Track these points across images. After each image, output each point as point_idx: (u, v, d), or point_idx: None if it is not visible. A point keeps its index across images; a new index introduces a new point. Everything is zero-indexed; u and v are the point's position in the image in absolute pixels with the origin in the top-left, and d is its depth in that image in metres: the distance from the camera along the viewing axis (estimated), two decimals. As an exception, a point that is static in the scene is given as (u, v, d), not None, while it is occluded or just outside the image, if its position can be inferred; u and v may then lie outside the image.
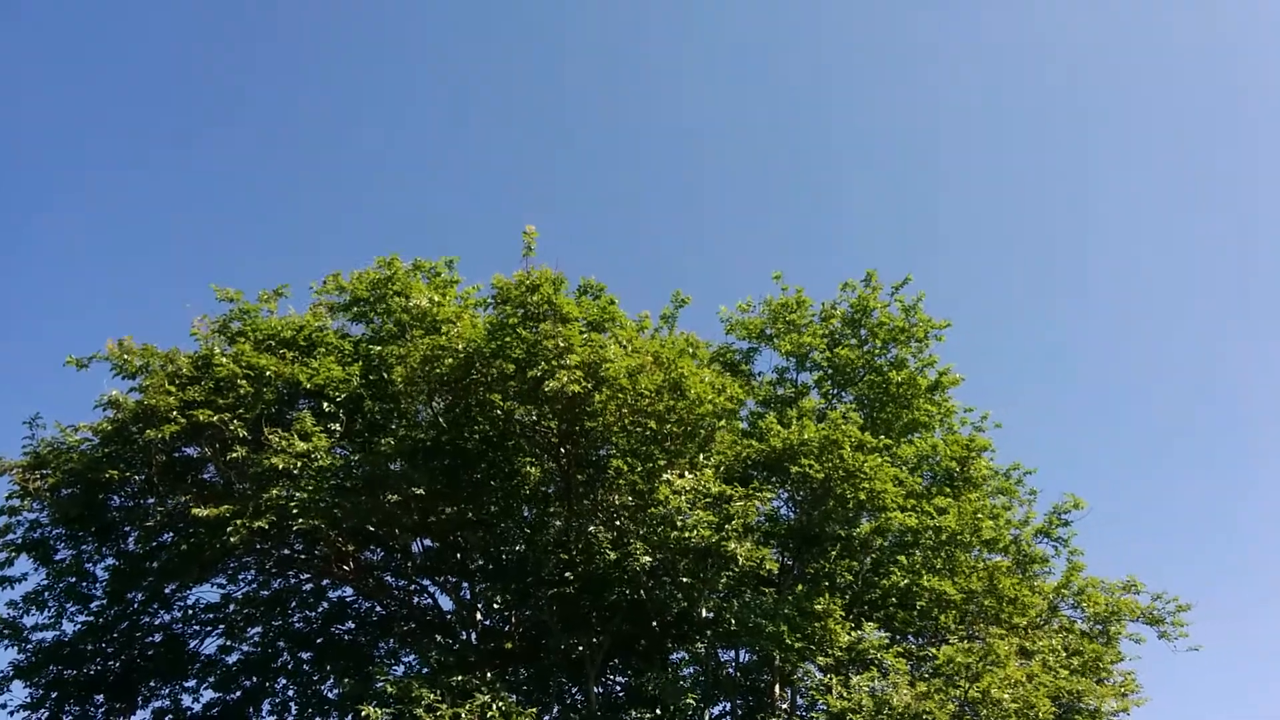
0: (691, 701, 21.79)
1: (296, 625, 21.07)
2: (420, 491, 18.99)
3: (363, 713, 16.49)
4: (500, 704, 17.15)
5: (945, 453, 20.90)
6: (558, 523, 20.00)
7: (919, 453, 20.65)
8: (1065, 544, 21.53)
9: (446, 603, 21.16)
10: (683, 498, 18.31)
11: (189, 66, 60.63)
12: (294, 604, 20.90)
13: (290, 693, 20.62)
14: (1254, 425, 57.81)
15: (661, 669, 21.07)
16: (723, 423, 19.45)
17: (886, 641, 20.15)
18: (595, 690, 20.65)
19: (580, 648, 20.04)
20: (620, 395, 17.86)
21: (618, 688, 22.16)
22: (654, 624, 20.73)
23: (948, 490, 20.77)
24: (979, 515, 20.15)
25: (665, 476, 18.64)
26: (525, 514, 20.55)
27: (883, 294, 21.73)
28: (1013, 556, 21.16)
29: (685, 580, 19.48)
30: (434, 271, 19.74)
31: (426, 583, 21.43)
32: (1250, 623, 49.20)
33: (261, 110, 63.06)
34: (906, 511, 19.41)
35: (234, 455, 17.70)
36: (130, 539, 19.27)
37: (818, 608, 18.73)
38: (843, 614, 19.13)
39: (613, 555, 19.14)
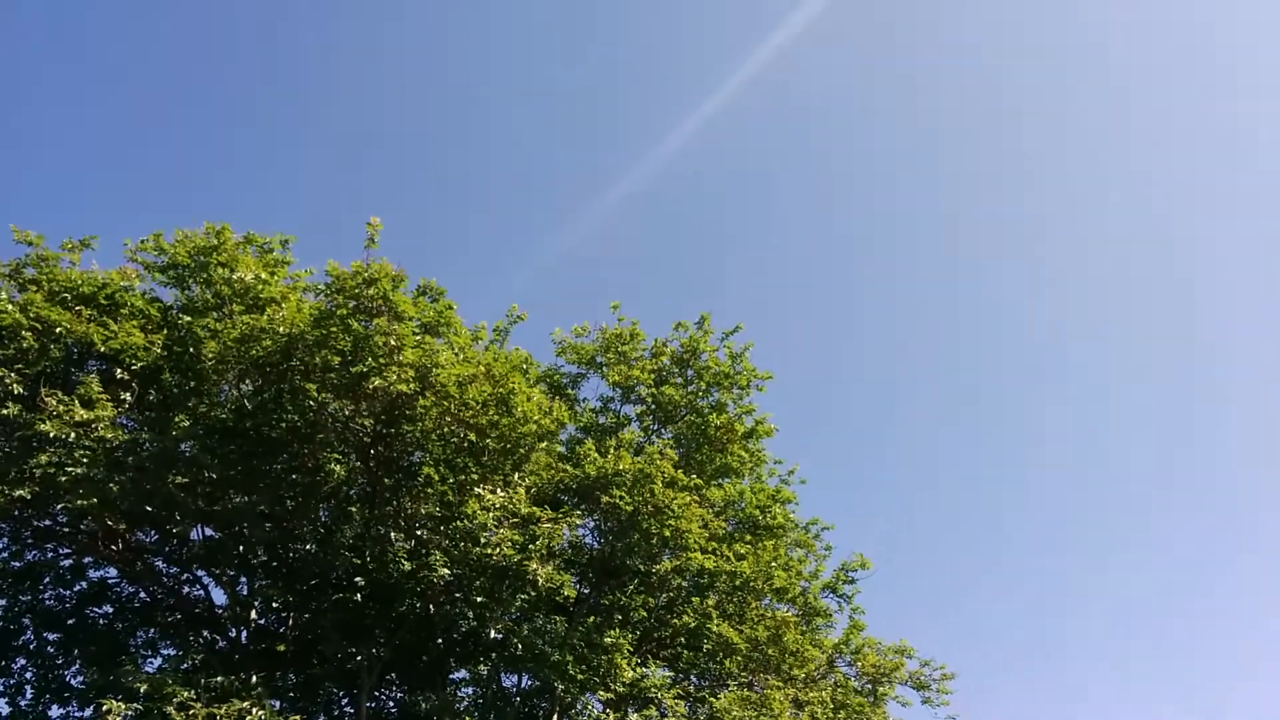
0: (466, 723, 21.38)
1: (47, 602, 19.20)
2: (212, 476, 17.86)
3: (104, 707, 15.20)
4: (261, 711, 16.19)
5: (751, 500, 21.43)
6: (356, 526, 19.19)
7: (727, 497, 21.07)
8: (849, 600, 22.43)
9: (220, 596, 19.85)
10: (491, 514, 17.96)
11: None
12: (48, 579, 19.06)
13: (29, 675, 18.77)
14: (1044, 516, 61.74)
15: (440, 688, 20.57)
16: (543, 444, 19.24)
17: (669, 682, 20.42)
18: (367, 704, 19.86)
19: (359, 657, 19.25)
20: (446, 403, 17.37)
21: (391, 703, 21.40)
22: (439, 640, 20.19)
23: (749, 537, 21.26)
24: (773, 564, 20.71)
25: (477, 491, 18.25)
26: (322, 513, 19.61)
27: (713, 338, 22.15)
28: (800, 608, 21.85)
29: (479, 599, 19.09)
30: (266, 248, 18.62)
31: (201, 573, 20.05)
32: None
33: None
34: (707, 553, 19.71)
35: (4, 412, 16.06)
36: None
37: (607, 640, 18.74)
38: (630, 649, 19.23)
39: (408, 565, 18.53)
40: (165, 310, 18.36)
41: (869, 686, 21.65)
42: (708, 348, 21.99)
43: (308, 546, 19.47)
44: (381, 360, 16.91)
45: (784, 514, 21.94)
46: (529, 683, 20.99)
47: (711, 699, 19.76)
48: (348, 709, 20.62)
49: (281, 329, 17.17)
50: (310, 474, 18.58)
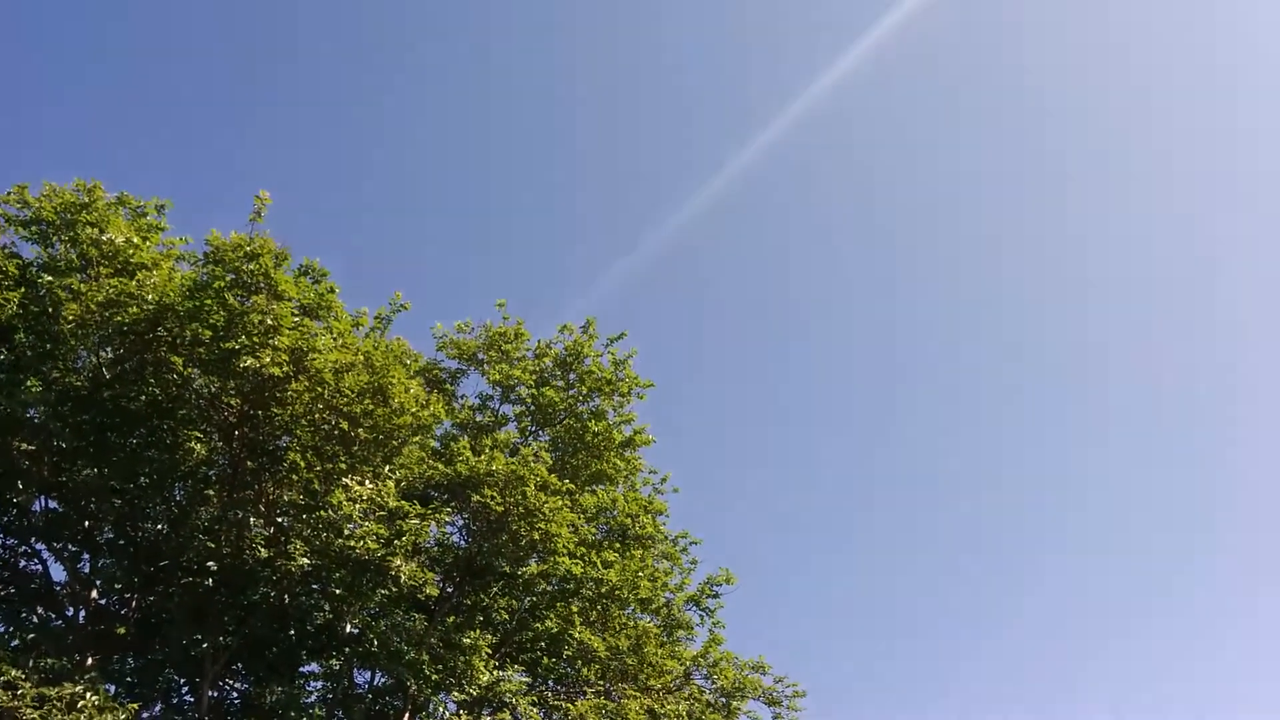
0: (312, 718, 20.73)
1: None
2: (61, 445, 16.94)
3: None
4: (95, 696, 15.42)
5: (623, 508, 21.43)
6: (212, 508, 18.46)
7: (599, 503, 21.02)
8: (711, 614, 22.62)
9: (59, 573, 18.81)
10: (357, 506, 17.52)
11: None
12: None
13: None
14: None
15: (289, 680, 19.94)
16: (417, 438, 18.87)
17: (525, 687, 20.26)
18: (209, 693, 19.11)
19: (204, 645, 18.52)
20: (319, 389, 16.87)
21: (235, 694, 20.63)
22: (292, 632, 19.57)
23: (618, 545, 21.26)
24: (640, 574, 20.77)
25: (344, 481, 17.79)
26: (177, 492, 18.79)
27: (598, 344, 22.09)
28: (662, 619, 21.95)
29: (338, 591, 18.61)
30: (140, 211, 17.74)
31: (41, 547, 18.95)
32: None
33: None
34: (575, 559, 19.64)
35: None
36: None
37: (466, 641, 18.50)
38: (489, 651, 19.00)
39: (265, 553, 17.94)
40: (25, 267, 17.33)
41: (723, 700, 21.87)
42: (591, 352, 21.94)
43: (159, 526, 18.65)
44: (255, 339, 16.30)
45: (654, 524, 22.01)
46: (382, 680, 20.53)
47: (568, 706, 19.68)
48: (188, 697, 19.78)
49: (151, 296, 16.40)
50: (168, 451, 17.81)
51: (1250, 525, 60.43)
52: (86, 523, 18.48)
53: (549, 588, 20.45)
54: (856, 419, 64.63)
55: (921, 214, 65.97)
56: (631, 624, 21.00)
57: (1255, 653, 57.59)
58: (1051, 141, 65.98)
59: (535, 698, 20.13)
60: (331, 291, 17.94)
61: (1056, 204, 65.96)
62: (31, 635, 17.50)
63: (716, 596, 22.58)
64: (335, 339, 17.53)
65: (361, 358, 17.23)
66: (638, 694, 20.24)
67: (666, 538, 22.57)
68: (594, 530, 21.13)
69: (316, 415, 17.38)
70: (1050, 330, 65.91)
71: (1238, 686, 54.78)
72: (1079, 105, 64.82)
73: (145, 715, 18.59)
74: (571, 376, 21.95)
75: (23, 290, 16.82)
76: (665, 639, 21.59)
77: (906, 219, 65.83)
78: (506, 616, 20.70)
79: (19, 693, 14.60)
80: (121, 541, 18.82)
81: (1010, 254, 65.92)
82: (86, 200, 16.91)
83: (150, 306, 16.41)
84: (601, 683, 20.70)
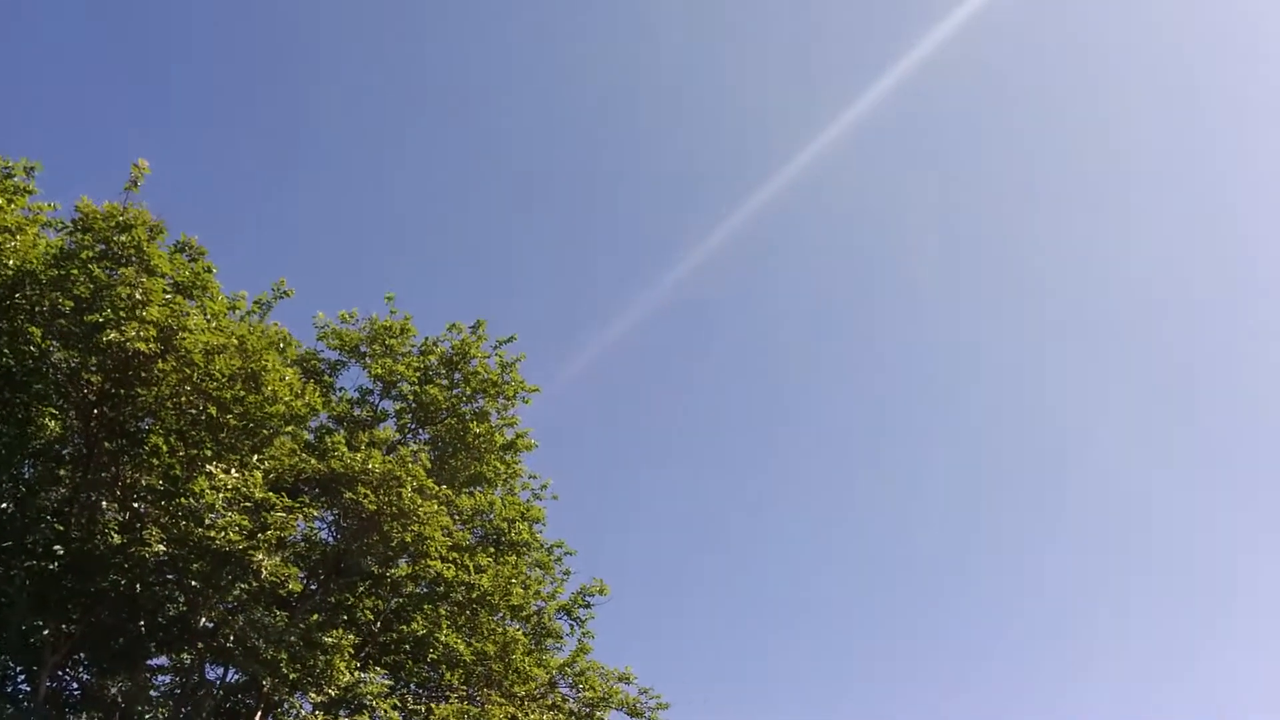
0: (158, 715, 19.90)
1: None
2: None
3: None
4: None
5: (500, 512, 21.11)
6: (64, 489, 17.54)
7: (476, 506, 20.66)
8: (582, 624, 22.43)
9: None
10: (221, 495, 16.86)
11: None
12: None
13: None
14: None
15: (136, 672, 19.11)
16: (290, 428, 18.25)
17: (387, 689, 19.77)
18: (47, 684, 18.16)
19: (45, 632, 17.59)
20: (188, 370, 16.16)
21: (76, 685, 19.64)
22: (142, 623, 18.74)
23: (492, 550, 20.93)
24: (513, 580, 20.48)
25: (209, 468, 17.11)
26: (26, 470, 17.79)
27: (486, 345, 21.70)
28: (532, 626, 21.69)
29: (194, 583, 17.89)
30: (8, 172, 16.70)
31: None
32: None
33: None
34: (447, 562, 19.26)
35: None
36: None
37: (328, 640, 17.94)
38: (352, 651, 18.47)
39: (117, 539, 17.13)
40: None
41: (587, 710, 21.71)
42: (479, 353, 21.54)
43: (3, 505, 17.62)
44: (122, 313, 15.51)
45: (530, 531, 21.75)
46: (235, 677, 19.78)
47: (430, 710, 19.27)
48: (23, 686, 18.73)
49: (11, 262, 15.50)
50: (18, 426, 16.87)
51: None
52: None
53: (418, 590, 20.01)
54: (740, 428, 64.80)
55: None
56: (500, 630, 20.68)
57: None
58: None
59: (396, 701, 19.68)
60: (209, 271, 17.24)
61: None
62: None
63: (588, 607, 22.44)
64: (209, 320, 16.82)
65: (235, 341, 16.56)
66: (502, 700, 19.94)
67: (542, 545, 22.33)
68: (469, 534, 20.77)
69: (183, 398, 16.66)
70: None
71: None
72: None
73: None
74: (457, 376, 21.51)
75: None
76: (533, 646, 21.33)
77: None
78: (372, 617, 20.16)
79: None
80: (-39, 520, 17.75)
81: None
82: (-55, 155, 15.92)
83: (9, 272, 15.51)
84: (465, 688, 20.34)
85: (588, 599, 22.44)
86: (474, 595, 19.91)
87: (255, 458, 17.76)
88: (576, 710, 21.93)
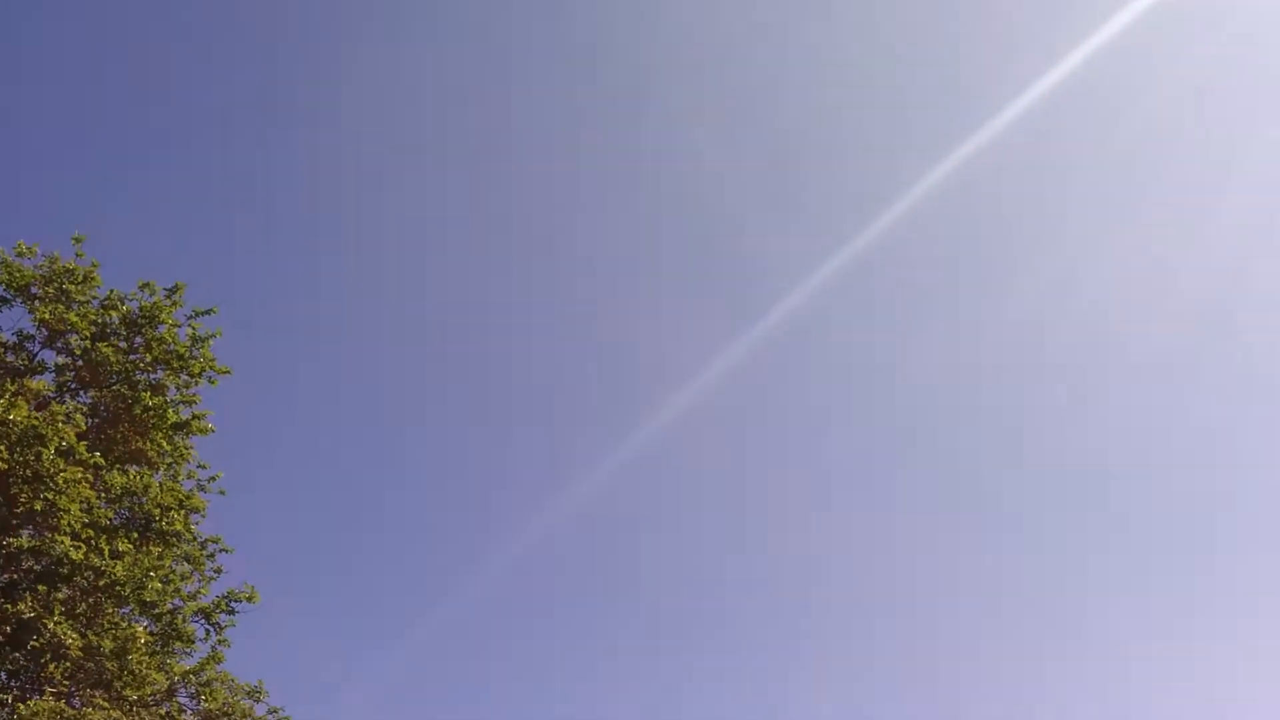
0: None
1: None
2: None
3: None
4: None
5: (155, 496, 19.11)
6: None
7: (130, 486, 18.61)
8: (220, 630, 20.62)
9: None
10: None
11: None
12: None
13: None
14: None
15: None
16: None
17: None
18: None
19: None
20: None
21: None
22: None
23: (135, 535, 18.90)
24: (152, 573, 18.56)
25: None
26: None
27: (181, 313, 19.72)
28: (162, 626, 19.72)
29: None
30: None
31: None
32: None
33: None
34: (79, 541, 17.18)
35: None
36: None
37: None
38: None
39: None
40: None
41: (206, 724, 19.98)
42: (170, 320, 19.56)
43: None
44: None
45: (185, 522, 19.82)
46: None
47: (18, 705, 16.99)
48: None
49: None
50: None
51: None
52: None
53: (36, 566, 17.72)
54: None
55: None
56: (126, 625, 18.65)
57: None
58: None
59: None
60: None
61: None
62: None
63: (232, 613, 20.66)
64: None
65: None
66: (106, 704, 17.94)
67: (195, 539, 20.43)
68: (112, 514, 18.67)
69: None
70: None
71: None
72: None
73: None
74: (138, 340, 19.38)
75: None
76: (158, 648, 19.37)
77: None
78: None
79: None
80: None
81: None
82: None
83: None
84: (66, 684, 18.12)
85: (233, 604, 20.70)
86: (101, 583, 17.87)
87: None
88: (195, 722, 20.17)
